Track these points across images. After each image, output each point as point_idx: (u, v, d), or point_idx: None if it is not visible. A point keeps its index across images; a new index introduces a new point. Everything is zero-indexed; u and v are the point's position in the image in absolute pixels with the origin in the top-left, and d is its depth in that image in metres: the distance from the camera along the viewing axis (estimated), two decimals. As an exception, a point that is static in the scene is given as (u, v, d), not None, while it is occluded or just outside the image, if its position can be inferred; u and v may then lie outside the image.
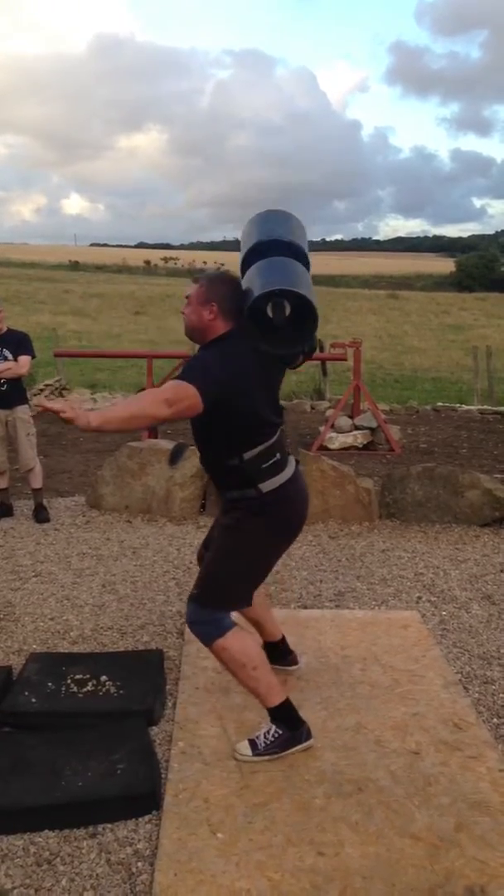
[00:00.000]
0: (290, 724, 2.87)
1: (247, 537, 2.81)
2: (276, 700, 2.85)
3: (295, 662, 3.47)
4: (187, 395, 2.52)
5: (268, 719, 2.89)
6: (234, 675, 2.84)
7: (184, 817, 2.52)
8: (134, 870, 2.33)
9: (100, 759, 2.73)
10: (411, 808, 2.57)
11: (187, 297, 2.83)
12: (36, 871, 2.33)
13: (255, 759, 2.80)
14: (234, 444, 2.75)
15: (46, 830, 2.49)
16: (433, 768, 2.78)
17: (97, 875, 2.31)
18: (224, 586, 2.82)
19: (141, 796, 2.58)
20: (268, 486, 2.78)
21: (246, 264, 2.87)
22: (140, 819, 2.54)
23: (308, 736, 2.89)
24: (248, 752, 2.82)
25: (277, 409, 2.86)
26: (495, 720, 3.14)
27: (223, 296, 2.77)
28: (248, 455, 2.74)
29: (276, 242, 2.82)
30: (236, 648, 2.77)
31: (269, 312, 2.68)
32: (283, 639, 3.44)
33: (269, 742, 2.83)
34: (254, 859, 2.33)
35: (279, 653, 3.41)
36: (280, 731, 2.85)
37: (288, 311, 2.67)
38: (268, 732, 2.85)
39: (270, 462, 2.78)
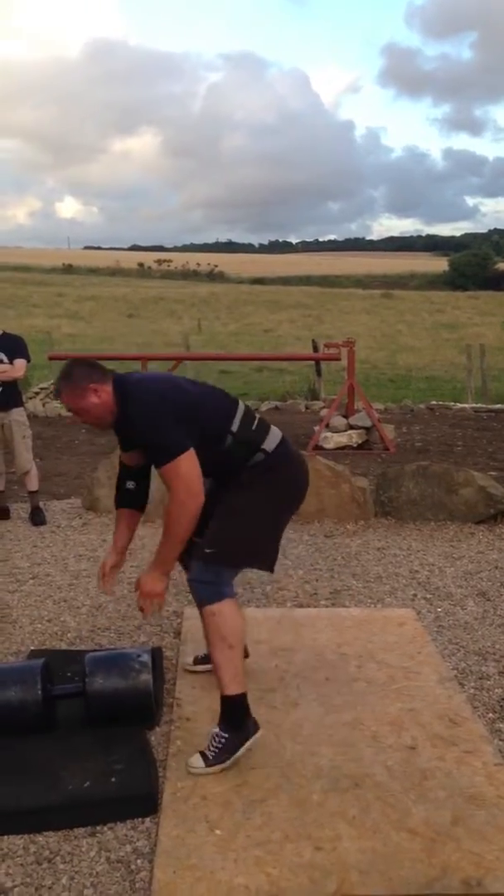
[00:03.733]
0: (236, 722, 2.78)
1: (255, 495, 2.84)
2: (235, 689, 2.76)
3: (247, 655, 3.45)
4: (190, 469, 2.69)
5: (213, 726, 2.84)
6: (210, 646, 2.78)
7: (182, 815, 2.54)
8: (133, 867, 2.34)
9: (97, 761, 2.75)
10: (408, 803, 2.59)
11: (77, 412, 2.87)
12: (36, 869, 2.34)
13: (208, 770, 2.72)
14: (219, 428, 2.83)
15: (47, 831, 2.50)
16: (429, 763, 2.81)
17: (97, 873, 2.32)
18: (231, 545, 2.79)
19: (138, 797, 2.60)
20: (270, 443, 2.87)
21: None
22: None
23: (255, 728, 2.81)
24: (201, 764, 2.74)
25: (221, 392, 2.99)
26: (490, 715, 3.16)
27: (87, 373, 2.82)
28: (234, 426, 2.83)
29: None
30: (226, 618, 2.73)
31: None
32: None
33: (216, 750, 2.75)
34: (252, 855, 2.35)
35: None
36: (226, 735, 2.76)
37: None
38: (214, 740, 2.77)
39: (255, 423, 2.89)
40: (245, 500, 2.84)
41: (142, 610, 2.85)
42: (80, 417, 2.90)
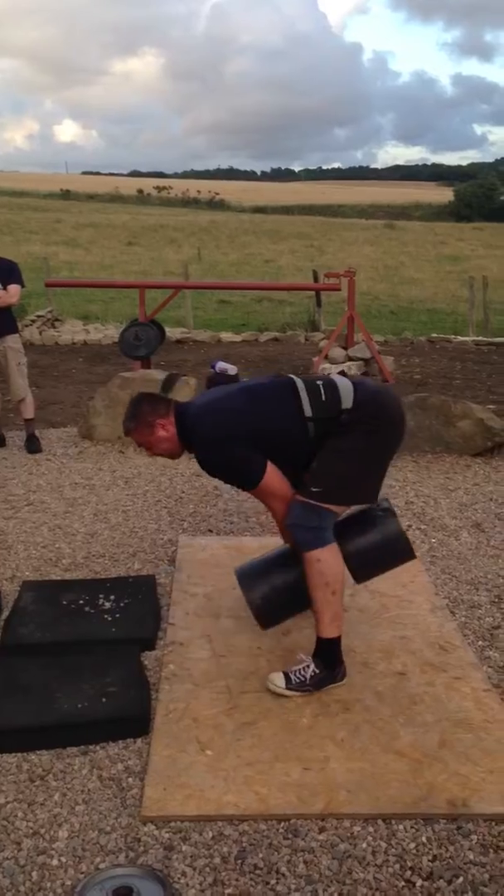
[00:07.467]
0: (329, 662, 2.82)
1: (355, 437, 2.81)
2: (333, 633, 2.80)
3: None
4: (274, 484, 2.79)
5: (302, 652, 2.89)
6: (312, 590, 2.78)
7: (174, 736, 2.58)
8: (124, 785, 2.39)
9: (91, 682, 2.78)
10: (396, 727, 2.63)
11: (148, 446, 2.99)
12: (29, 786, 2.39)
13: (287, 692, 2.77)
14: (295, 427, 2.81)
15: (39, 750, 2.54)
16: (418, 688, 2.84)
17: (89, 790, 2.37)
18: (338, 482, 2.80)
19: (130, 718, 2.63)
20: (346, 400, 2.81)
21: None
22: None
23: (343, 675, 2.85)
24: (282, 683, 2.79)
25: (272, 379, 3.01)
26: (480, 643, 3.19)
27: (152, 409, 2.92)
28: (307, 411, 2.80)
29: None
30: (330, 564, 2.76)
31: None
32: None
33: (302, 678, 2.79)
34: (241, 775, 2.39)
35: None
36: (317, 670, 2.80)
37: None
38: (304, 668, 2.80)
39: (322, 390, 2.83)
40: (346, 442, 2.81)
41: None
42: (151, 451, 3.02)
